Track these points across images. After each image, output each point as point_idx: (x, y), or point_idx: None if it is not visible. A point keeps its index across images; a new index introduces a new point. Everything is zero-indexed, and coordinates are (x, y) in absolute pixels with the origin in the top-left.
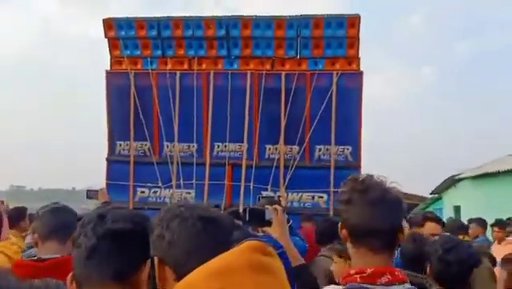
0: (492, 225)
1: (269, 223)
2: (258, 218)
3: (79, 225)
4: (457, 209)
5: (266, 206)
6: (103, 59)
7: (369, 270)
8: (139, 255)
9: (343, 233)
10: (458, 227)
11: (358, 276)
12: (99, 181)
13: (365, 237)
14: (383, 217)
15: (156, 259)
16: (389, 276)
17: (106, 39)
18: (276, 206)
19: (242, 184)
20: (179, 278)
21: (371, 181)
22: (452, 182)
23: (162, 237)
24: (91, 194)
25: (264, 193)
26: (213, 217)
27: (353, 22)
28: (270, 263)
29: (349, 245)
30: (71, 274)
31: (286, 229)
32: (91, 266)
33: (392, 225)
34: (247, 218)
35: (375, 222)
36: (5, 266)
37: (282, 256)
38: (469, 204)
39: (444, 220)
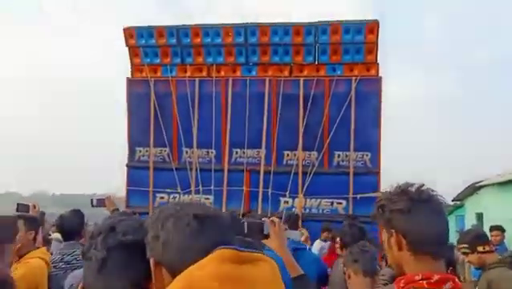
0: None
1: (266, 236)
2: (256, 232)
3: (89, 237)
4: (480, 216)
5: (264, 219)
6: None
7: (436, 277)
8: (149, 265)
9: (399, 241)
10: (477, 237)
11: (424, 282)
12: (120, 186)
13: (430, 245)
14: (443, 225)
15: (151, 261)
16: (452, 283)
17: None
18: (273, 218)
19: (260, 190)
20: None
21: (428, 191)
22: (474, 189)
23: (157, 237)
24: (97, 203)
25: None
26: (210, 216)
27: (372, 27)
28: (240, 273)
29: (405, 253)
30: (81, 286)
31: (285, 241)
32: (103, 279)
33: (448, 234)
34: (245, 231)
35: (440, 231)
36: (44, 271)
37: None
38: (492, 211)
39: (467, 227)
